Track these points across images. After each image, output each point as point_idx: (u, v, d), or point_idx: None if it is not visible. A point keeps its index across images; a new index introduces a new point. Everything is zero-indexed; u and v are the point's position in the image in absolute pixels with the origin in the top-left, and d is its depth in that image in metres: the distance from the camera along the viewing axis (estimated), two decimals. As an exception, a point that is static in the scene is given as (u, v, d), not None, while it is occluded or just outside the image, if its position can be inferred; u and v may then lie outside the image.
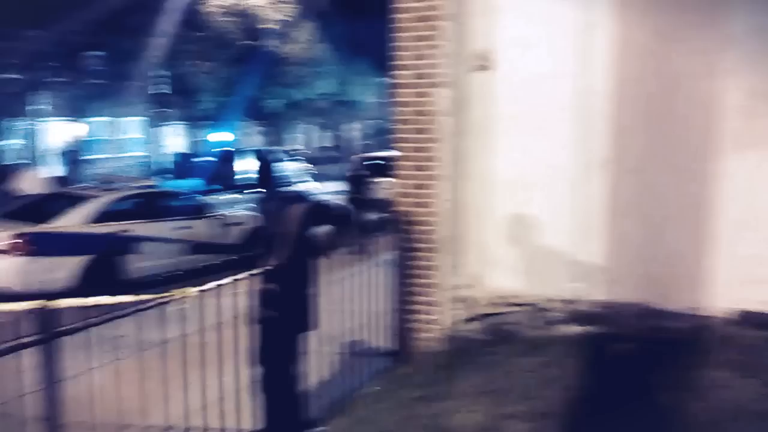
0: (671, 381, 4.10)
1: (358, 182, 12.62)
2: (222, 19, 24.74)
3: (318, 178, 26.94)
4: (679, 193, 4.85)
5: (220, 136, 28.85)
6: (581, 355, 4.63)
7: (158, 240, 9.68)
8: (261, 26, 25.81)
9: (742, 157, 4.64)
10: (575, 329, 5.08)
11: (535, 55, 5.09)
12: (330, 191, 22.53)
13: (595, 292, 5.08)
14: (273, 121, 31.28)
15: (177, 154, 30.20)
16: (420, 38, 5.11)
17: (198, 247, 10.17)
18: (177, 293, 3.69)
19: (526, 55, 5.11)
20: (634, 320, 4.86)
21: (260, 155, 25.50)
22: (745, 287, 4.66)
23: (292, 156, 28.05)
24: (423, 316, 5.34)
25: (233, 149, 27.31)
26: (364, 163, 17.29)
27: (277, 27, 25.92)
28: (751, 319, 4.63)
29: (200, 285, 3.76)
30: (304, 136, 38.37)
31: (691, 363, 4.27)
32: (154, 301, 3.58)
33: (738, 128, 4.64)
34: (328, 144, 40.55)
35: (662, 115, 4.83)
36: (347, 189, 12.67)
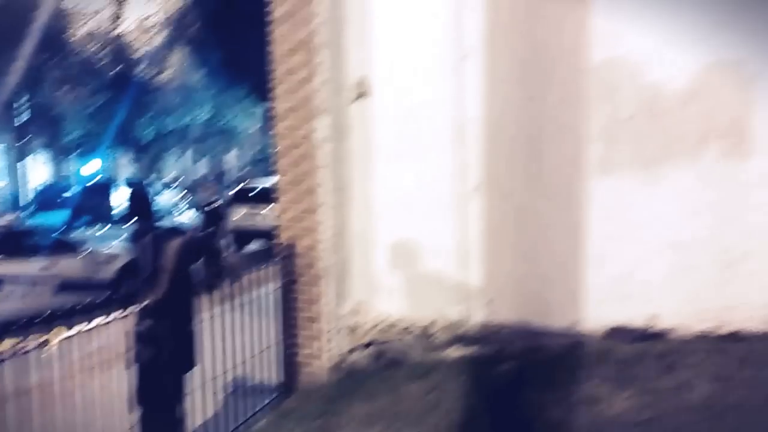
0: (552, 398, 4.24)
1: (213, 215, 12.05)
2: (91, 45, 23.73)
3: (193, 206, 26.23)
4: (553, 215, 5.07)
5: (90, 166, 27.52)
6: (466, 377, 4.71)
7: (21, 279, 9.05)
8: (132, 52, 24.96)
9: (607, 179, 4.90)
10: (460, 352, 5.16)
11: (413, 83, 5.19)
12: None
13: (477, 314, 5.19)
14: (147, 150, 30.22)
15: (43, 186, 28.48)
16: (298, 66, 5.10)
17: (67, 285, 9.58)
18: (40, 337, 3.43)
19: (404, 84, 5.21)
20: (514, 340, 5.01)
21: (134, 185, 24.55)
22: (615, 304, 4.91)
23: (169, 186, 27.20)
24: (309, 347, 5.26)
25: (105, 179, 26.12)
26: (244, 190, 17.06)
27: (149, 53, 25.16)
28: (622, 334, 4.88)
29: (69, 326, 3.51)
30: (181, 164, 37.31)
31: (569, 379, 4.43)
32: (16, 348, 3.30)
33: (602, 152, 4.91)
34: (207, 172, 39.63)
35: (534, 140, 5.05)
36: (203, 221, 12.04)
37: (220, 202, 12.58)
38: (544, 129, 5.02)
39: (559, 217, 5.06)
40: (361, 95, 5.28)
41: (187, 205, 25.45)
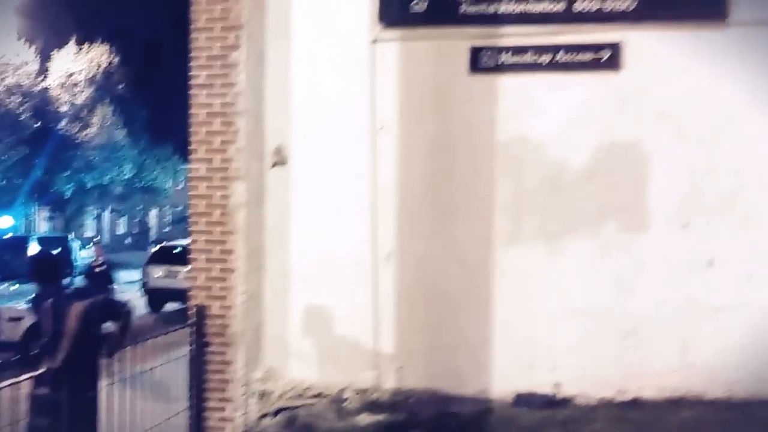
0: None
1: (100, 277, 11.55)
2: (10, 98, 23.13)
3: (112, 267, 25.44)
4: (463, 284, 5.20)
5: (4, 222, 26.44)
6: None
7: None
8: (56, 108, 24.45)
9: (514, 250, 5.09)
10: (371, 418, 5.15)
11: (330, 152, 5.31)
12: (123, 282, 21.37)
13: (388, 381, 5.22)
14: (66, 206, 29.33)
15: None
16: (215, 133, 5.15)
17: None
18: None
19: (321, 152, 5.32)
20: (424, 407, 5.04)
21: (40, 248, 23.67)
22: (522, 371, 5.03)
23: (84, 244, 26.35)
24: (220, 413, 5.14)
25: (20, 235, 25.11)
26: (162, 250, 16.72)
27: (72, 109, 24.71)
28: (528, 401, 4.99)
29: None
30: (98, 222, 36.30)
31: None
32: None
33: (509, 224, 5.11)
34: (125, 231, 38.69)
35: (446, 210, 5.21)
36: (89, 283, 11.53)
37: (104, 266, 11.99)
38: (456, 200, 5.19)
39: (470, 286, 5.19)
40: (278, 163, 5.36)
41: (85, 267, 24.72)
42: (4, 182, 24.52)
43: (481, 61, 5.08)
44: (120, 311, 4.59)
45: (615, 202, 5.01)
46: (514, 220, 5.11)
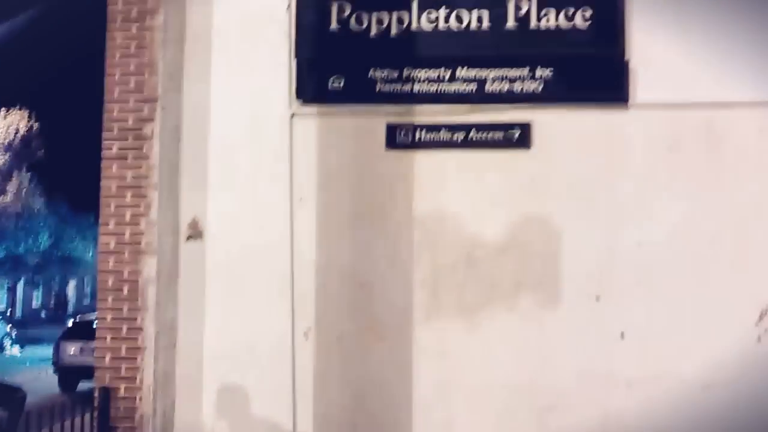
0: None
1: None
2: None
3: (22, 341, 24.23)
4: (383, 360, 5.13)
5: None
6: None
7: None
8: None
9: (430, 326, 5.08)
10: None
11: (246, 226, 5.24)
12: (35, 359, 20.28)
13: (306, 461, 5.04)
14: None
15: None
16: (129, 205, 5.03)
17: None
18: None
19: (237, 226, 5.24)
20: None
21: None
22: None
23: (-2, 317, 25.07)
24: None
25: None
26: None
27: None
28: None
29: None
30: (11, 294, 34.58)
31: None
32: None
33: (428, 298, 5.11)
34: (40, 303, 36.96)
35: (366, 285, 5.18)
36: None
37: None
38: (375, 275, 5.18)
39: (389, 362, 5.13)
40: (192, 236, 5.25)
41: (12, 340, 23.47)
42: None
43: (397, 138, 5.16)
44: (11, 397, 4.29)
45: (530, 276, 5.08)
46: (432, 295, 5.11)
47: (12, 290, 34.28)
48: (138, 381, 4.96)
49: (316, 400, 5.12)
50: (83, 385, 14.03)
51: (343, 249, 5.19)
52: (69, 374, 14.90)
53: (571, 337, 5.03)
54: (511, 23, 5.13)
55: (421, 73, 5.18)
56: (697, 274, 4.95)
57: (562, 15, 5.09)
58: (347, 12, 5.24)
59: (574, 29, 5.08)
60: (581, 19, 5.08)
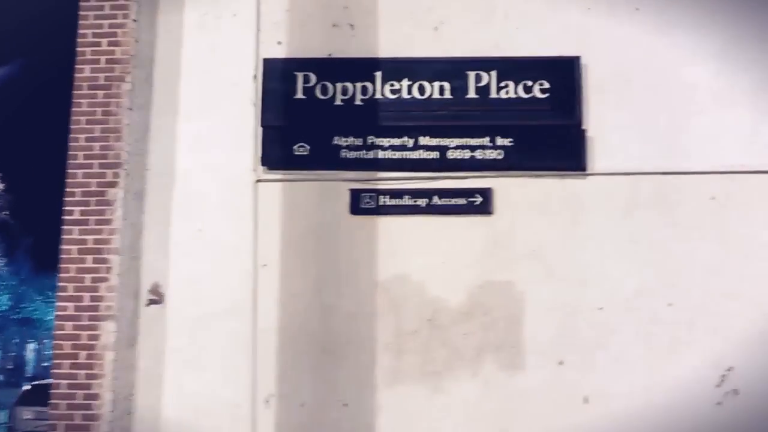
0: None
1: None
2: None
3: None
4: (347, 425, 5.06)
5: None
6: None
7: None
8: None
9: (394, 391, 5.04)
10: None
11: (208, 290, 5.20)
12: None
13: None
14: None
15: None
16: (87, 270, 4.98)
17: None
18: None
19: (198, 291, 5.20)
20: None
21: None
22: None
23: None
24: None
25: None
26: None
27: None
28: None
29: None
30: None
31: None
32: None
33: (391, 363, 5.09)
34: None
35: (328, 349, 5.14)
36: None
37: None
38: (339, 339, 5.15)
39: (353, 428, 5.06)
40: (153, 301, 5.19)
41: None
42: None
43: (361, 203, 5.22)
44: None
45: (493, 341, 5.10)
46: (396, 360, 5.09)
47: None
48: (92, 451, 4.81)
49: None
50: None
51: (306, 314, 5.18)
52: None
53: (535, 402, 5.02)
54: (471, 94, 5.29)
55: (385, 141, 5.29)
56: (657, 336, 5.02)
57: (521, 87, 5.27)
58: (312, 81, 5.36)
59: (533, 99, 5.25)
60: (539, 91, 5.26)
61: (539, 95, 5.25)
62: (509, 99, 5.27)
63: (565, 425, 4.98)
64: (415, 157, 5.27)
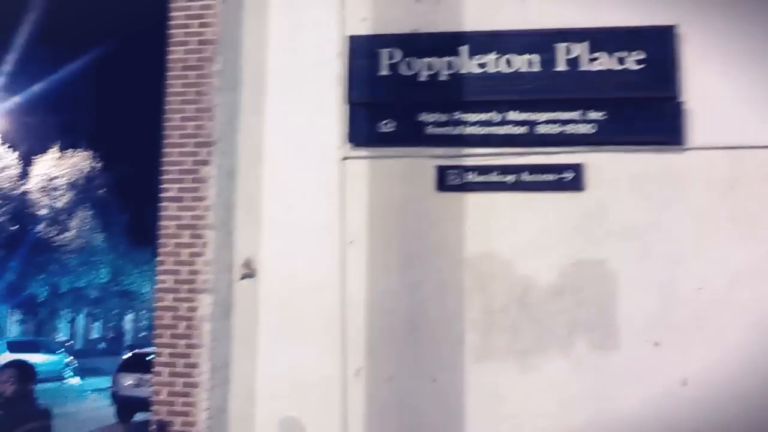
0: None
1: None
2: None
3: (81, 372, 24.80)
4: (434, 401, 5.09)
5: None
6: None
7: None
8: (35, 212, 24.50)
9: (482, 368, 5.03)
10: None
11: (299, 265, 5.31)
12: (94, 389, 20.70)
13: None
14: (40, 310, 28.83)
15: None
16: (185, 245, 5.15)
17: None
18: None
19: (289, 266, 5.32)
20: None
21: (14, 347, 23.08)
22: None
23: (56, 348, 25.72)
24: None
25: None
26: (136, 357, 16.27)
27: (51, 214, 24.76)
28: None
29: None
30: (72, 326, 35.54)
31: None
32: None
33: (478, 341, 5.07)
34: (99, 335, 37.85)
35: (415, 325, 5.17)
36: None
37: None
38: (426, 315, 5.17)
39: (440, 403, 5.08)
40: (246, 275, 5.34)
41: (73, 371, 24.03)
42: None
43: (447, 180, 5.19)
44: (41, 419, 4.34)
45: (584, 320, 4.99)
46: (484, 337, 5.07)
47: (72, 323, 35.25)
48: (193, 416, 5.02)
49: (367, 442, 5.09)
50: (140, 417, 14.24)
51: (393, 290, 5.21)
52: (126, 405, 15.16)
53: (629, 384, 4.89)
54: (561, 66, 5.14)
55: (471, 117, 5.22)
56: (760, 318, 4.80)
57: (613, 58, 5.08)
58: (397, 58, 5.34)
59: (627, 71, 5.06)
60: (633, 62, 5.06)
61: (633, 66, 5.06)
62: (601, 71, 5.09)
63: (662, 408, 4.83)
64: (502, 132, 5.18)
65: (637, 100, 5.05)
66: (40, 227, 24.44)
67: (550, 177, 5.09)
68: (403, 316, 5.19)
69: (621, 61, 5.07)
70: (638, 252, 4.98)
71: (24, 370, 4.30)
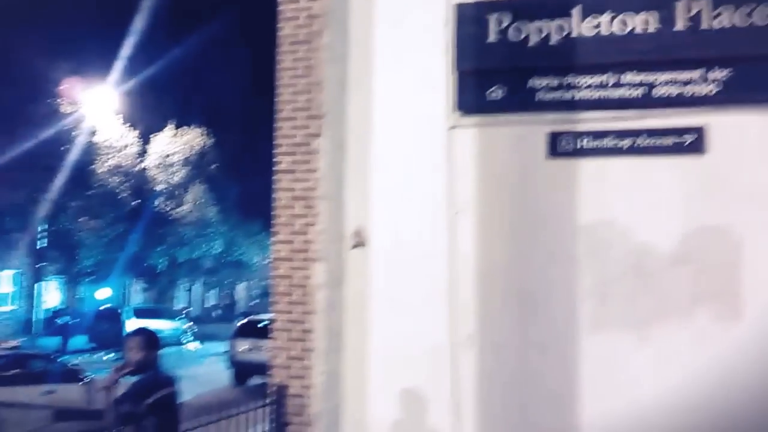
0: None
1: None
2: (114, 178, 24.70)
3: (201, 337, 26.16)
4: (546, 371, 5.05)
5: (102, 293, 27.79)
6: None
7: (22, 406, 9.03)
8: (153, 187, 25.89)
9: (596, 338, 4.93)
10: None
11: (409, 234, 5.36)
12: (210, 353, 21.81)
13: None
14: (159, 279, 30.59)
15: (52, 310, 28.65)
16: (298, 216, 5.33)
17: (65, 413, 9.52)
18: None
19: (400, 235, 5.38)
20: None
21: (139, 313, 24.62)
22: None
23: (175, 315, 27.22)
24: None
25: (113, 307, 26.25)
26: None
27: (168, 188, 26.09)
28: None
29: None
30: (189, 294, 37.50)
31: None
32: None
33: (593, 310, 4.97)
34: (214, 303, 39.74)
35: (526, 294, 5.13)
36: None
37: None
38: (537, 284, 5.11)
39: (552, 373, 5.04)
40: (357, 244, 5.45)
41: (193, 336, 25.36)
42: (103, 256, 25.86)
43: (559, 146, 5.08)
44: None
45: (706, 289, 4.79)
46: (599, 306, 4.96)
47: (189, 291, 37.22)
48: (309, 380, 5.22)
49: (478, 408, 5.12)
50: (255, 380, 14.89)
51: (503, 258, 5.18)
52: (242, 369, 15.89)
53: (755, 357, 4.67)
54: (680, 25, 4.89)
55: (584, 80, 5.07)
56: None
57: (737, 14, 4.78)
58: (506, 23, 5.24)
59: (752, 27, 4.75)
60: (759, 18, 4.74)
61: (759, 23, 4.73)
62: (724, 28, 4.80)
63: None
64: (617, 95, 5.00)
65: (763, 57, 4.74)
66: (158, 202, 25.83)
67: (669, 140, 4.87)
68: (513, 284, 5.15)
69: (746, 16, 4.76)
70: (764, 218, 4.71)
71: (150, 338, 4.44)
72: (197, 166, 26.31)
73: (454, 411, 5.14)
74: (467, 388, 5.14)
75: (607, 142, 5.01)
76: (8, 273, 27.83)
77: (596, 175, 5.03)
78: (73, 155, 22.41)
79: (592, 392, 4.90)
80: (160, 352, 4.50)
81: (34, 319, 26.95)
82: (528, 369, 5.07)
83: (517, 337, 5.11)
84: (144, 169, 25.70)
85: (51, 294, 29.55)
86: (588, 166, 5.04)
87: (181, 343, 24.77)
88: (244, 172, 26.85)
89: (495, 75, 5.25)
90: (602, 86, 5.04)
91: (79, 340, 23.54)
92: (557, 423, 4.95)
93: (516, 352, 5.10)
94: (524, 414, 5.03)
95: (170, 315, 26.81)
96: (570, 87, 5.09)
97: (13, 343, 13.29)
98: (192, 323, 27.64)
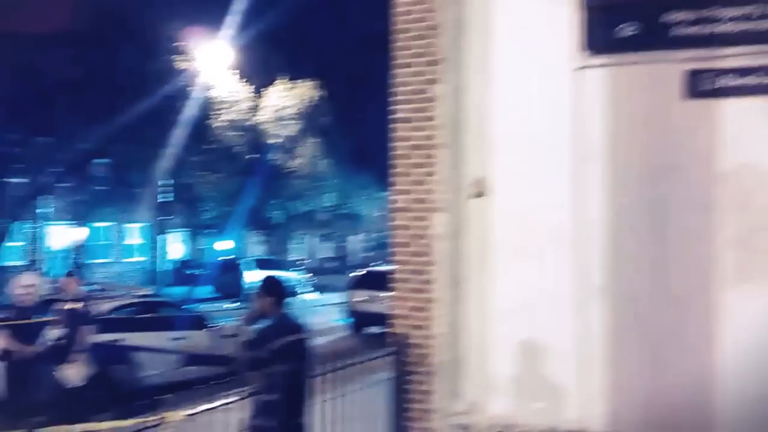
0: None
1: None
2: (229, 133, 25.49)
3: (319, 288, 27.00)
4: (680, 325, 4.80)
5: (222, 245, 29.09)
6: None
7: (153, 350, 9.61)
8: (267, 141, 26.53)
9: (738, 291, 4.62)
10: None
11: (532, 183, 5.18)
12: (325, 303, 22.47)
13: (595, 423, 4.93)
14: (276, 231, 31.64)
15: (178, 262, 30.34)
16: (416, 165, 5.25)
17: (193, 358, 10.07)
18: (167, 416, 3.67)
19: (521, 184, 5.21)
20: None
21: (261, 264, 25.65)
22: (749, 427, 4.52)
23: (295, 266, 28.14)
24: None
25: (235, 258, 27.42)
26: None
27: (282, 142, 26.66)
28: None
29: (193, 400, 3.74)
30: (306, 246, 38.63)
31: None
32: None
33: (735, 261, 4.65)
34: (328, 255, 40.77)
35: (659, 244, 4.86)
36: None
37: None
38: (673, 233, 4.83)
39: (688, 327, 4.78)
40: (478, 194, 5.31)
41: (312, 286, 26.20)
42: (223, 210, 26.98)
43: (697, 86, 4.71)
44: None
45: None
46: (742, 257, 4.63)
47: (303, 243, 38.32)
48: (429, 330, 5.21)
49: (606, 361, 4.95)
50: (373, 329, 15.19)
51: (634, 206, 4.91)
52: (360, 319, 16.26)
53: None
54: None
55: (726, 13, 4.65)
56: None
57: None
58: (639, -47, 4.86)
59: None
60: None
61: None
62: None
63: None
64: (763, 28, 4.55)
65: None
66: (273, 156, 26.50)
67: (823, 76, 4.42)
68: (645, 234, 4.89)
69: None
70: None
71: (278, 286, 4.49)
72: (310, 119, 26.68)
73: (581, 365, 5.00)
74: (596, 341, 4.97)
75: (751, 80, 4.61)
76: (135, 226, 29.64)
77: (739, 116, 4.65)
78: (190, 110, 23.24)
79: (733, 348, 4.62)
80: (287, 300, 4.56)
81: (159, 270, 28.63)
82: (661, 323, 4.83)
83: (652, 288, 4.86)
84: (258, 123, 26.35)
85: (174, 246, 31.27)
86: (730, 106, 4.66)
87: (300, 293, 25.62)
88: (358, 124, 27.01)
89: (627, 10, 4.91)
90: (747, 18, 4.61)
91: (203, 290, 24.80)
92: (695, 381, 4.71)
93: (650, 303, 4.86)
94: (659, 371, 4.82)
95: (288, 266, 27.73)
96: (710, 21, 4.69)
97: (144, 290, 14.12)
98: (311, 274, 28.51)
